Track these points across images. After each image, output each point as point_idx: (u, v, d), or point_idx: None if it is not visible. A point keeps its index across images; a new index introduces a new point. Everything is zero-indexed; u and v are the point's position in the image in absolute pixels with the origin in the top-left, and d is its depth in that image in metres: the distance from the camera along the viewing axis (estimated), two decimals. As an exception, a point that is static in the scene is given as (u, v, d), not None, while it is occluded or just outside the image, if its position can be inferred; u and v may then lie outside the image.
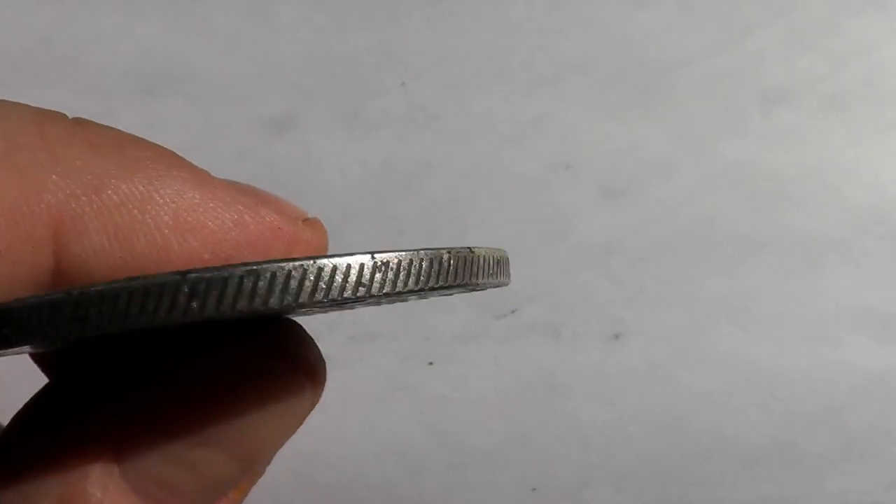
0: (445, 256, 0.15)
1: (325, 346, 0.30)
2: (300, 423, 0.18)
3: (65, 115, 0.17)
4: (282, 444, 0.18)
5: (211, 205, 0.16)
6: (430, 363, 0.30)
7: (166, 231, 0.16)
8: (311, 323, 0.30)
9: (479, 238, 0.31)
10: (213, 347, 0.17)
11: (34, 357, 0.22)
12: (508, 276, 0.18)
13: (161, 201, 0.16)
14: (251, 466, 0.18)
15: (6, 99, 0.16)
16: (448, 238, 0.31)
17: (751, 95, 0.32)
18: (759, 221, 0.32)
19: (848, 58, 0.33)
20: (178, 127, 0.30)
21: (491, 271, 0.16)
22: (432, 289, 0.15)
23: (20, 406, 0.17)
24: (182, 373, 0.17)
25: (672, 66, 0.32)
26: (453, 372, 0.30)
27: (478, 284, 0.16)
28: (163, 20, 0.31)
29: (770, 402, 0.31)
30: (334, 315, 0.30)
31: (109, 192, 0.16)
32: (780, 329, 0.31)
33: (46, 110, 0.16)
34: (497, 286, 0.17)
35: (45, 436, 0.16)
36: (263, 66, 0.31)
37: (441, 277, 0.15)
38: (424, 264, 0.15)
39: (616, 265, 0.31)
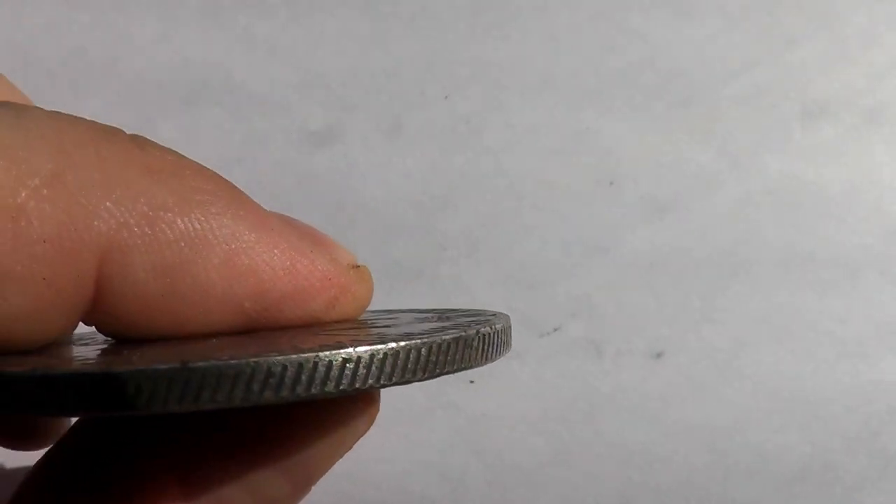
0: (453, 340, 0.15)
1: (366, 363, 0.30)
2: (354, 444, 0.18)
3: (122, 130, 0.16)
4: (332, 466, 0.18)
5: (265, 249, 0.16)
6: (472, 381, 0.30)
7: (214, 275, 0.16)
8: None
9: (522, 252, 0.30)
10: None
11: None
12: (509, 344, 0.18)
13: (214, 242, 0.16)
14: (304, 488, 0.18)
15: (59, 111, 0.16)
16: (491, 252, 0.30)
17: (792, 109, 0.32)
18: (800, 237, 0.31)
19: (889, 71, 0.33)
20: (218, 138, 0.30)
21: (495, 349, 0.17)
22: (439, 375, 0.15)
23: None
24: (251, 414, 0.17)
25: (715, 79, 0.32)
26: (495, 390, 0.30)
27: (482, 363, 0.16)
28: (202, 29, 0.30)
29: (810, 420, 0.30)
30: (376, 331, 0.29)
31: (163, 225, 0.15)
32: (820, 347, 0.31)
33: (104, 126, 0.16)
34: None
35: (113, 465, 0.16)
36: (305, 77, 0.30)
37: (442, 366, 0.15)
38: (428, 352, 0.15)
39: (659, 281, 0.30)
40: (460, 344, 0.15)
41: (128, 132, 0.16)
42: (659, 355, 0.30)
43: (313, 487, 0.26)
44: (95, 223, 0.15)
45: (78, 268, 0.15)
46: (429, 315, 0.19)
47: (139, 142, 0.16)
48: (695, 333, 0.30)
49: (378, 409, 0.19)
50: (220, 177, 0.16)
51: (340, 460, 0.29)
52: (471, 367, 0.16)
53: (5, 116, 0.15)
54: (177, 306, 0.15)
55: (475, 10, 0.31)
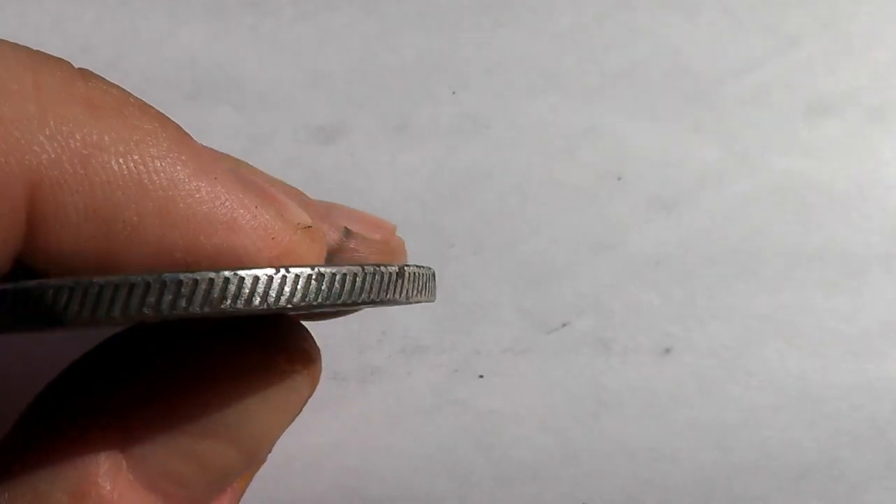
0: (360, 273, 0.15)
1: (373, 359, 0.30)
2: (298, 412, 0.18)
3: (69, 63, 0.15)
4: (281, 432, 0.18)
5: (204, 199, 0.15)
6: (480, 376, 0.30)
7: (147, 222, 0.15)
8: (359, 335, 0.30)
9: (529, 249, 0.30)
10: (213, 341, 0.17)
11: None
12: (432, 293, 0.18)
13: (150, 187, 0.15)
14: (255, 456, 0.17)
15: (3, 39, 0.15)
16: (498, 249, 0.30)
17: (798, 107, 0.32)
18: (806, 235, 0.31)
19: (894, 69, 0.33)
20: (224, 135, 0.30)
21: (409, 289, 0.16)
22: (344, 304, 0.15)
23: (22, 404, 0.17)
24: (183, 366, 0.16)
25: (721, 77, 0.32)
26: (503, 386, 0.30)
27: (389, 301, 0.16)
28: (208, 26, 0.30)
29: (816, 417, 0.31)
30: (383, 327, 0.29)
31: (97, 166, 0.14)
32: (826, 344, 0.31)
33: (48, 55, 0.15)
34: (416, 303, 0.17)
35: (53, 431, 0.16)
36: (312, 74, 0.30)
37: (355, 294, 0.15)
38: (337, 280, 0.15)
39: (666, 278, 0.30)
40: (369, 276, 0.15)
41: None
42: (666, 352, 0.30)
43: (316, 483, 0.26)
44: (27, 157, 0.14)
45: (8, 202, 0.14)
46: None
47: (84, 74, 0.15)
48: (702, 330, 0.30)
49: (318, 377, 0.18)
50: (166, 117, 0.16)
51: (346, 456, 0.29)
52: (380, 302, 0.16)
53: None
54: (108, 251, 0.15)
55: (482, 8, 0.31)
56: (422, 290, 0.17)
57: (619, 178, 0.31)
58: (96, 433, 0.16)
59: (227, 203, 0.15)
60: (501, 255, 0.30)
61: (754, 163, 0.32)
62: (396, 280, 0.16)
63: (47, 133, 0.14)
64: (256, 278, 0.14)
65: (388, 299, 0.16)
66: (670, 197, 0.31)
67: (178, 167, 0.15)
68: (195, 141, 0.16)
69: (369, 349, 0.29)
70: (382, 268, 0.15)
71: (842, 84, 0.32)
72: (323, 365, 0.29)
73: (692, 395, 0.30)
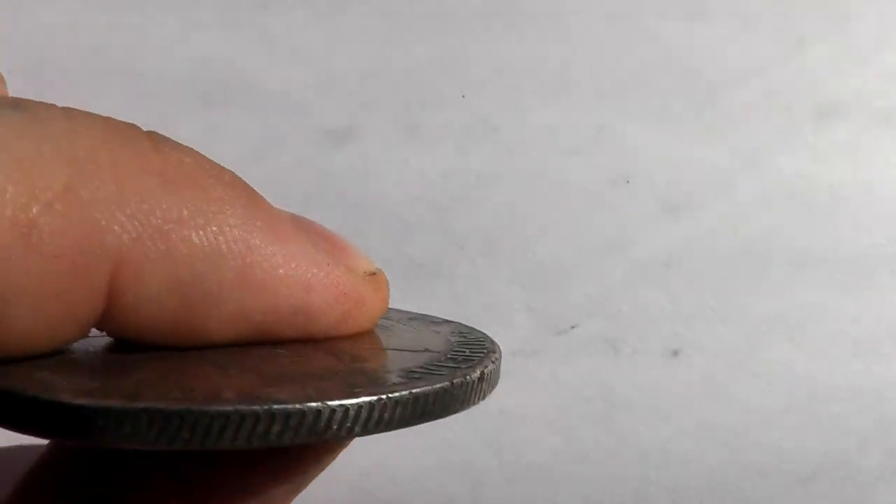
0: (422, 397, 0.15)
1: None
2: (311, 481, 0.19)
3: (138, 128, 0.16)
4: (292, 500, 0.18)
5: (280, 263, 0.16)
6: (490, 378, 0.30)
7: (227, 291, 0.15)
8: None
9: (539, 251, 0.31)
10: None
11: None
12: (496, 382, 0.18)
13: (228, 255, 0.15)
14: None
15: (73, 108, 0.15)
16: (508, 251, 0.30)
17: (806, 110, 0.32)
18: (814, 237, 0.32)
19: (901, 73, 0.33)
20: (236, 137, 0.30)
21: (481, 393, 0.17)
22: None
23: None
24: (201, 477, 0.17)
25: (729, 80, 0.32)
26: (512, 387, 0.30)
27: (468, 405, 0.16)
28: (220, 29, 0.30)
29: (824, 418, 0.31)
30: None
31: (178, 241, 0.15)
32: (834, 346, 0.31)
33: (119, 125, 0.15)
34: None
35: None
36: (323, 76, 0.30)
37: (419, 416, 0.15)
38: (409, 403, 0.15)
39: (674, 280, 0.31)
40: (446, 393, 0.15)
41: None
42: (675, 354, 0.30)
43: (327, 485, 0.26)
44: (109, 238, 0.14)
45: (90, 283, 0.14)
46: (440, 329, 0.19)
47: (155, 141, 0.15)
48: (710, 332, 0.31)
49: (339, 450, 0.19)
50: (238, 180, 0.16)
51: (357, 457, 0.29)
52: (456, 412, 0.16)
53: (17, 120, 0.14)
54: (187, 320, 0.15)
55: (492, 11, 0.31)
56: (494, 384, 0.17)
57: (628, 181, 0.31)
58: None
59: (302, 265, 0.16)
60: (511, 257, 0.30)
61: (763, 165, 0.32)
62: (478, 385, 0.16)
63: (128, 213, 0.14)
64: (360, 407, 0.14)
65: (468, 405, 0.16)
66: (679, 199, 0.31)
67: (255, 233, 0.16)
68: (265, 201, 0.16)
69: (380, 350, 0.29)
70: (468, 377, 0.16)
71: (850, 87, 0.32)
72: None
73: (701, 396, 0.30)
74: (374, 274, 0.17)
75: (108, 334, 0.16)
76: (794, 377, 0.31)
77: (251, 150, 0.30)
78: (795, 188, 0.32)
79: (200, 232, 0.15)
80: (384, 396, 0.14)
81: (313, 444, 0.18)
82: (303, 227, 0.17)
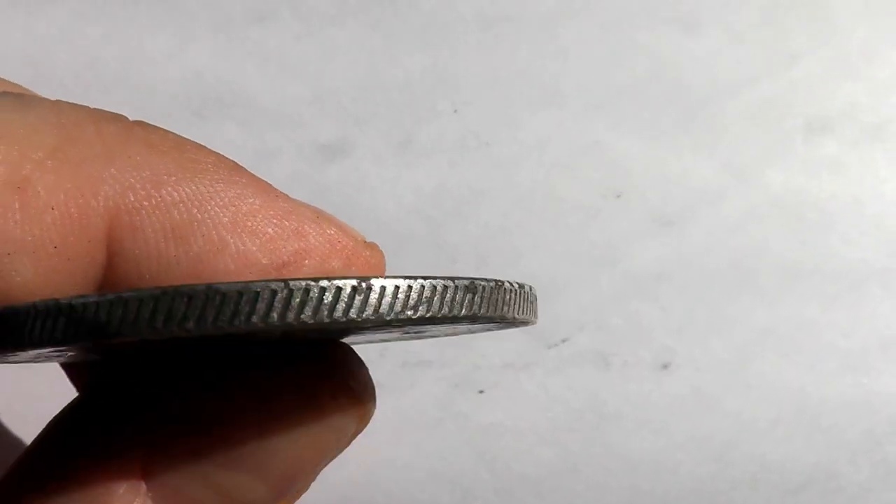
0: (483, 286, 0.15)
1: (376, 373, 0.30)
2: (343, 449, 0.18)
3: (124, 116, 0.16)
4: (320, 469, 0.17)
5: (272, 212, 0.16)
6: (481, 391, 0.30)
7: (224, 233, 0.16)
8: (360, 349, 0.30)
9: (531, 264, 0.31)
10: (254, 365, 0.16)
11: (66, 369, 0.21)
12: (536, 314, 0.17)
13: (221, 203, 0.16)
14: (286, 491, 0.17)
15: (61, 100, 0.16)
16: (501, 264, 0.31)
17: (796, 124, 0.32)
18: (804, 250, 0.32)
19: (891, 87, 0.33)
20: (229, 151, 0.30)
21: (520, 307, 0.16)
22: (470, 318, 0.14)
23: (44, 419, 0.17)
24: (213, 392, 0.16)
25: (720, 94, 0.32)
26: (504, 400, 0.30)
27: (506, 319, 0.15)
28: (214, 43, 0.30)
29: (814, 431, 0.31)
30: (386, 343, 0.30)
31: (169, 188, 0.15)
32: (824, 358, 0.31)
33: (104, 111, 0.16)
34: (524, 324, 0.17)
35: (71, 451, 0.16)
36: (316, 91, 0.30)
37: (477, 306, 0.14)
38: (466, 293, 0.14)
39: (665, 294, 0.31)
40: (488, 289, 0.15)
41: None
42: (665, 367, 0.30)
43: (318, 495, 0.26)
44: (101, 188, 0.15)
45: (87, 233, 0.15)
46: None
47: (140, 123, 0.16)
48: (701, 345, 0.31)
49: (370, 415, 0.18)
50: (223, 155, 0.17)
51: (348, 467, 0.30)
52: (500, 320, 0.15)
53: (6, 103, 0.15)
54: (192, 268, 0.15)
55: (485, 25, 0.31)
56: (527, 309, 0.16)
57: (619, 195, 0.31)
58: (116, 455, 0.15)
59: (292, 216, 0.16)
60: (503, 270, 0.30)
61: (753, 179, 0.32)
62: (510, 295, 0.15)
63: (117, 166, 0.15)
64: (384, 287, 0.13)
65: (502, 316, 0.15)
66: (670, 213, 0.31)
67: (241, 187, 0.16)
68: (250, 171, 0.17)
69: (372, 364, 0.29)
70: (500, 281, 0.15)
71: (840, 101, 0.33)
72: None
73: (691, 408, 0.30)
74: (367, 243, 0.17)
75: None
76: (784, 390, 0.31)
77: (244, 164, 0.30)
78: (786, 202, 0.32)
79: (191, 183, 0.15)
80: (419, 279, 0.14)
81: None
82: (291, 197, 0.17)
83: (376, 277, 0.13)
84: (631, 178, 0.31)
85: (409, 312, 0.14)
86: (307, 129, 0.30)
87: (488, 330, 0.18)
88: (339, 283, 0.13)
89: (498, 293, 0.15)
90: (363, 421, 0.18)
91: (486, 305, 0.15)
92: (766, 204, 0.32)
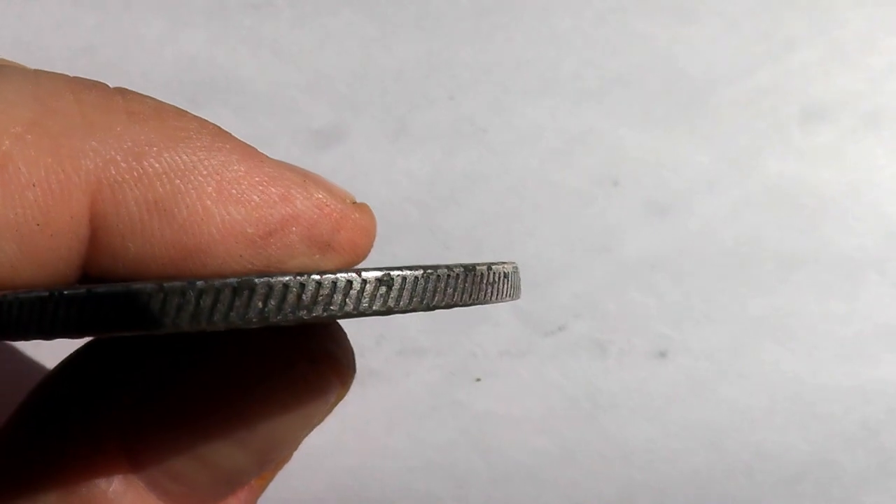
0: (449, 273, 0.15)
1: (372, 361, 0.30)
2: (323, 419, 0.18)
3: (104, 83, 0.16)
4: (302, 438, 0.18)
5: (257, 178, 0.16)
6: (477, 379, 0.30)
7: (209, 202, 0.15)
8: (357, 337, 0.30)
9: (526, 252, 0.31)
10: (235, 341, 0.16)
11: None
12: (518, 290, 0.17)
13: (205, 171, 0.15)
14: (270, 461, 0.17)
15: (40, 69, 0.16)
16: (495, 251, 0.30)
17: (792, 112, 0.32)
18: (800, 238, 0.32)
19: (887, 75, 0.33)
20: (224, 137, 0.30)
21: (498, 288, 0.16)
22: (438, 307, 0.15)
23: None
24: (193, 364, 0.16)
25: (716, 81, 0.32)
26: (500, 388, 0.30)
27: (483, 301, 0.15)
28: (208, 29, 0.30)
29: (810, 419, 0.31)
30: (381, 329, 0.30)
31: (151, 159, 0.15)
32: (820, 347, 0.31)
33: (83, 79, 0.16)
34: (506, 300, 0.17)
35: (55, 428, 0.16)
36: (310, 77, 0.30)
37: (447, 295, 0.15)
38: (431, 281, 0.14)
39: (661, 282, 0.31)
40: (466, 276, 0.15)
41: None
42: (661, 354, 0.30)
43: (312, 483, 0.26)
44: (82, 162, 0.15)
45: (70, 209, 0.15)
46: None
47: (120, 90, 0.16)
48: (696, 333, 0.31)
49: (349, 385, 0.18)
50: (205, 119, 0.16)
51: (343, 456, 0.29)
52: (479, 302, 0.15)
53: None
54: (177, 240, 0.15)
55: (480, 12, 0.31)
56: (510, 292, 0.16)
57: (616, 182, 0.31)
58: (98, 427, 0.15)
59: (278, 181, 0.16)
60: (498, 258, 0.30)
61: (749, 167, 0.32)
62: (489, 279, 0.16)
63: (97, 138, 0.15)
64: (365, 282, 0.13)
65: (482, 299, 0.15)
66: (666, 200, 0.31)
67: (225, 154, 0.16)
68: (234, 135, 0.17)
69: (368, 351, 0.29)
70: (478, 267, 0.15)
71: (836, 89, 0.33)
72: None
73: (687, 397, 0.30)
74: (356, 203, 0.17)
75: (108, 278, 0.16)
76: (781, 378, 0.31)
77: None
78: (782, 190, 0.32)
79: (172, 152, 0.15)
80: (395, 272, 0.14)
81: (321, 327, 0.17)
82: (277, 160, 0.17)
83: (366, 270, 0.14)
84: (627, 165, 0.31)
85: (387, 304, 0.14)
86: (302, 116, 0.30)
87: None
88: (302, 279, 0.13)
89: (470, 279, 0.15)
90: (343, 387, 0.18)
91: (462, 293, 0.15)
92: (763, 192, 0.32)
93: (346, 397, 0.29)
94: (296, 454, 0.29)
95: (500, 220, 0.31)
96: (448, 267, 0.15)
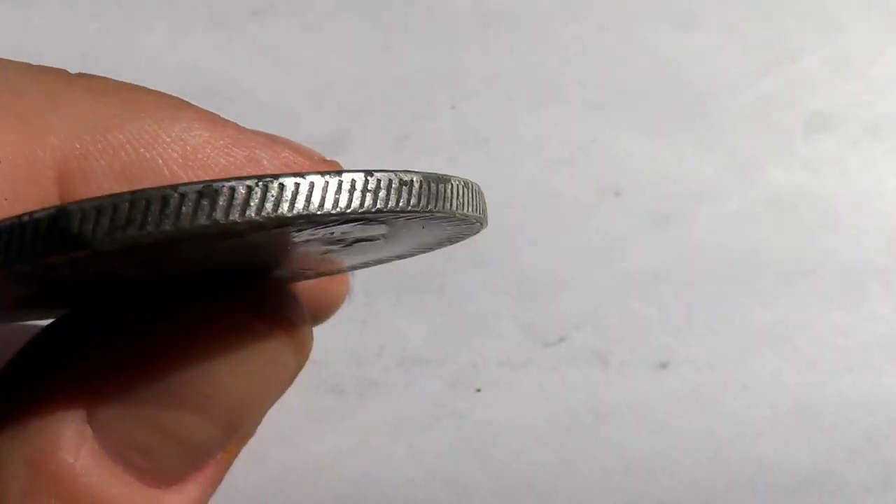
0: (415, 178, 0.14)
1: (372, 372, 0.30)
2: (284, 387, 0.17)
3: (65, 70, 0.16)
4: (267, 407, 0.17)
5: (221, 142, 0.16)
6: (478, 390, 0.30)
7: (176, 168, 0.16)
8: (357, 348, 0.30)
9: (527, 262, 0.31)
10: (191, 304, 0.16)
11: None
12: (484, 212, 0.17)
13: (169, 139, 0.16)
14: (233, 431, 0.17)
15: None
16: (497, 261, 0.30)
17: (796, 121, 0.32)
18: (802, 249, 0.32)
19: (892, 85, 0.33)
20: (225, 146, 0.30)
21: (463, 202, 0.16)
22: (397, 212, 0.14)
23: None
24: (157, 329, 0.16)
25: (720, 91, 0.32)
26: (501, 399, 0.30)
27: (448, 213, 0.15)
28: (210, 37, 0.30)
29: (812, 431, 0.31)
30: (382, 340, 0.29)
31: (115, 132, 0.15)
32: (822, 358, 0.31)
33: (45, 66, 0.16)
34: (471, 222, 0.16)
35: (15, 395, 0.15)
36: (313, 86, 0.30)
37: (409, 200, 0.14)
38: (394, 185, 0.14)
39: (663, 293, 0.31)
40: (431, 184, 0.14)
41: None
42: (663, 366, 0.30)
43: (312, 493, 0.26)
44: (48, 138, 0.15)
45: (38, 183, 0.15)
46: None
47: (82, 74, 0.16)
48: (699, 344, 0.30)
49: (308, 351, 0.18)
50: (165, 92, 0.17)
51: (344, 467, 0.29)
52: (441, 213, 0.15)
53: None
54: None
55: (483, 22, 0.31)
56: (474, 206, 0.16)
57: (618, 192, 0.31)
58: (61, 399, 0.15)
59: (243, 144, 0.16)
60: (500, 268, 0.30)
61: (752, 177, 0.32)
62: (448, 189, 0.15)
63: (61, 114, 0.15)
64: (313, 184, 0.13)
65: (443, 210, 0.15)
66: (668, 211, 0.31)
67: (187, 121, 0.16)
68: (196, 105, 0.17)
69: (368, 362, 0.29)
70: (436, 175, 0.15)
71: (840, 99, 0.33)
72: (322, 378, 0.29)
73: (689, 408, 0.30)
74: (326, 161, 0.17)
75: None
76: (783, 389, 0.31)
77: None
78: (785, 200, 0.32)
79: (136, 122, 0.16)
80: (347, 173, 0.13)
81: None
82: (240, 125, 0.17)
83: (316, 173, 0.13)
84: (630, 175, 0.31)
85: (350, 206, 0.13)
86: (304, 124, 0.30)
87: (451, 242, 0.17)
88: (251, 182, 0.12)
89: (440, 186, 0.15)
90: (302, 353, 0.17)
91: (428, 199, 0.14)
92: (766, 202, 0.32)
93: (346, 408, 0.29)
94: (296, 464, 0.29)
95: (502, 231, 0.30)
96: (404, 171, 0.14)
